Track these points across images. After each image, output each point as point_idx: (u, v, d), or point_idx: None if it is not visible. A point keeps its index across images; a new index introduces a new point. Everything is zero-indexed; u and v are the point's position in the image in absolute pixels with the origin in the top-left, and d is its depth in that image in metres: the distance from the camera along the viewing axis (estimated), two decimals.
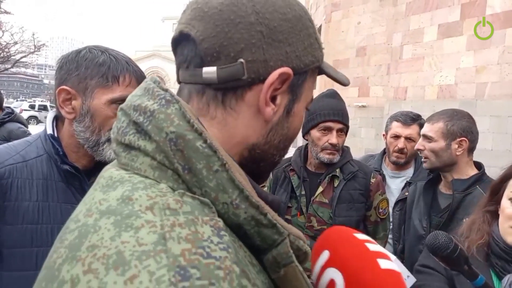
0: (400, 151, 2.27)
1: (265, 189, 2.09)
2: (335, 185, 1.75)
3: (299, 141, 6.94)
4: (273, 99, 0.50)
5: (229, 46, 0.47)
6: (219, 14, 0.48)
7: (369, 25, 8.64)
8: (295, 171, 1.83)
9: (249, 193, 0.42)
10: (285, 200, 1.78)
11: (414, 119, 2.29)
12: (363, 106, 8.05)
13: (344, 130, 1.73)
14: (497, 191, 1.19)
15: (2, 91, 3.42)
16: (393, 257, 0.69)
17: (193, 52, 0.50)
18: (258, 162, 0.54)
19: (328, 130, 1.73)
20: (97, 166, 1.11)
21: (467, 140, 1.72)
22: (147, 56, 37.90)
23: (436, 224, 1.76)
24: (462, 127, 1.71)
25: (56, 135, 1.05)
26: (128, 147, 0.46)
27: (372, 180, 1.79)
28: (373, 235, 1.82)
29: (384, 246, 1.77)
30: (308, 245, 0.48)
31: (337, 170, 1.77)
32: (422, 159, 1.79)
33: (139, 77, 1.06)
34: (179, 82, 0.54)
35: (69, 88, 1.01)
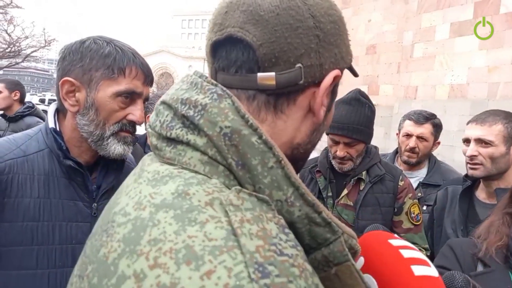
0: (412, 150, 2.21)
1: None
2: (361, 188, 1.70)
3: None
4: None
5: (288, 52, 0.47)
6: (277, 18, 0.47)
7: (380, 22, 8.52)
8: (321, 172, 1.79)
9: (305, 190, 0.42)
10: None
11: (428, 118, 2.23)
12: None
13: (354, 143, 1.64)
14: None
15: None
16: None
17: (246, 57, 0.48)
18: (298, 160, 0.54)
19: (335, 141, 1.69)
20: (98, 163, 1.08)
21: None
22: (156, 52, 38.01)
23: None
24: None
25: (58, 129, 1.02)
26: (174, 141, 0.45)
27: (401, 183, 1.71)
28: None
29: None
30: None
31: (364, 172, 1.72)
32: (472, 166, 1.60)
33: (145, 70, 1.03)
34: None
35: (73, 80, 0.97)
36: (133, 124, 1.03)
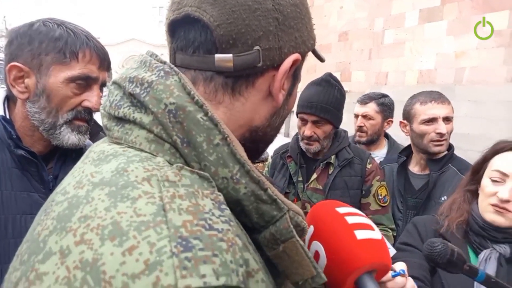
0: (360, 129, 2.32)
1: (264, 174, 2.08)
2: (330, 172, 1.72)
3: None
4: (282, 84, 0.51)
5: (246, 34, 0.46)
6: None
7: (352, 9, 8.58)
8: (292, 158, 1.82)
9: (251, 167, 0.42)
10: (283, 186, 1.77)
11: (372, 98, 2.34)
12: (346, 92, 8.02)
13: (321, 122, 1.67)
14: (477, 171, 1.21)
15: None
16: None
17: (203, 38, 0.47)
18: (257, 142, 0.54)
19: (304, 121, 1.71)
20: (54, 151, 1.03)
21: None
22: (127, 40, 36.93)
23: (413, 205, 1.77)
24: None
25: (8, 117, 0.96)
26: (122, 120, 0.44)
27: (369, 166, 1.75)
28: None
29: (393, 243, 1.62)
30: None
31: (332, 156, 1.74)
32: (441, 142, 1.69)
33: (100, 53, 0.98)
34: (176, 66, 0.51)
35: (21, 65, 0.91)
36: (89, 111, 0.98)
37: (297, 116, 1.74)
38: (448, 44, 6.33)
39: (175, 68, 0.45)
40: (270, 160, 2.02)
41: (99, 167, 0.41)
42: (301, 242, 0.43)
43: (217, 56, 0.47)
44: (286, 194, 1.77)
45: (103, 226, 0.33)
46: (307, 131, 1.69)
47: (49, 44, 0.91)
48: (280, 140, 2.59)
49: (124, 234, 0.33)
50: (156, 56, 0.48)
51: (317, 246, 0.54)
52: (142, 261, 0.31)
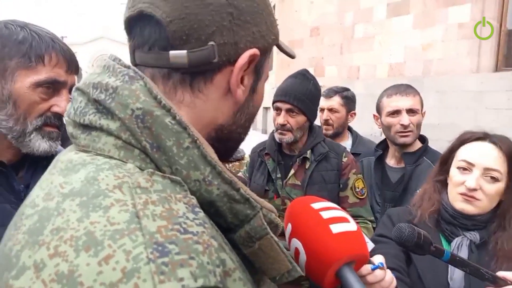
0: (326, 122, 2.39)
1: (241, 173, 2.08)
2: (307, 167, 1.75)
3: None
4: (242, 80, 0.50)
5: (199, 29, 0.46)
6: None
7: (322, 4, 8.67)
8: (270, 155, 1.83)
9: (222, 169, 0.42)
10: (262, 183, 1.79)
11: (336, 92, 2.41)
12: (320, 87, 8.12)
13: (295, 111, 1.70)
14: (445, 161, 1.25)
15: None
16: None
17: (158, 34, 0.47)
18: (224, 141, 0.54)
19: (279, 110, 1.74)
20: (24, 159, 0.99)
21: (425, 112, 1.82)
22: (96, 38, 35.84)
23: (390, 198, 1.82)
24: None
25: None
26: (88, 127, 0.44)
27: (344, 160, 1.77)
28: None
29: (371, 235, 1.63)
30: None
31: (308, 152, 1.76)
32: (405, 134, 1.75)
33: (67, 56, 0.94)
34: (135, 65, 0.51)
35: None
36: (59, 117, 0.95)
37: (273, 107, 1.77)
38: (415, 37, 6.52)
39: (140, 73, 0.45)
40: (247, 158, 2.02)
41: (67, 177, 0.40)
42: (275, 238, 0.44)
43: (171, 52, 0.46)
44: (266, 192, 1.78)
45: (76, 237, 0.33)
46: (280, 119, 1.72)
47: (12, 48, 0.87)
48: (258, 138, 2.60)
49: (99, 244, 0.32)
50: (120, 60, 0.48)
51: (296, 243, 0.56)
52: (119, 270, 0.31)
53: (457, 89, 5.84)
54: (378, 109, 1.87)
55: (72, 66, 0.96)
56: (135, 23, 0.49)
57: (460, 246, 1.12)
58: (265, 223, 0.44)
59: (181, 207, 0.37)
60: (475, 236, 1.12)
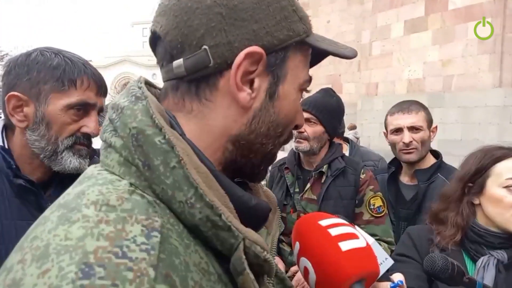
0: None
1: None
2: (323, 181, 1.74)
3: None
4: (251, 83, 0.47)
5: (190, 35, 0.45)
6: (177, 4, 0.46)
7: (338, 23, 8.77)
8: (289, 169, 1.84)
9: (204, 191, 0.40)
10: (280, 198, 1.78)
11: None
12: None
13: (312, 120, 1.72)
14: (471, 181, 1.16)
15: None
16: (370, 239, 0.73)
17: (164, 49, 0.48)
18: (246, 155, 0.50)
19: None
20: (53, 178, 1.03)
21: (436, 127, 1.80)
22: (118, 62, 37.12)
23: (405, 217, 1.77)
24: (430, 115, 1.78)
25: (6, 146, 0.96)
26: (106, 144, 0.46)
27: (362, 176, 1.74)
28: None
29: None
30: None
31: (325, 166, 1.75)
32: (408, 151, 1.71)
33: (97, 80, 0.99)
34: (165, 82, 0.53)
35: (20, 94, 0.93)
36: (88, 137, 0.99)
37: None
38: (434, 53, 6.47)
39: (146, 93, 0.45)
40: (268, 174, 2.04)
41: (73, 189, 0.42)
42: (251, 276, 0.40)
43: (174, 63, 0.47)
44: (284, 206, 1.79)
45: (38, 248, 0.35)
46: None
47: (47, 73, 0.93)
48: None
49: (46, 257, 0.33)
50: (140, 82, 0.48)
51: (305, 262, 0.55)
52: (47, 285, 0.32)
53: (479, 104, 5.72)
54: (385, 127, 1.88)
55: (102, 89, 1.01)
56: (153, 43, 0.51)
57: (487, 266, 1.06)
58: (244, 257, 0.40)
59: (135, 229, 0.36)
60: (502, 255, 1.06)
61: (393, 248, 1.65)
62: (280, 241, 1.77)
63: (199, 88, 0.47)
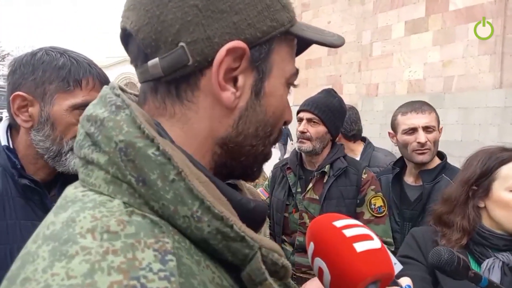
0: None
1: (262, 188, 2.06)
2: (325, 181, 1.76)
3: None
4: (234, 81, 0.43)
5: (164, 31, 0.41)
6: None
7: (339, 23, 8.77)
8: (291, 169, 1.86)
9: (211, 203, 0.37)
10: (283, 198, 1.81)
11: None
12: None
13: (315, 120, 1.74)
14: (476, 183, 1.14)
15: None
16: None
17: (137, 48, 0.44)
18: (237, 157, 0.47)
19: (301, 120, 1.80)
20: (57, 178, 1.03)
21: (442, 128, 1.79)
22: (118, 62, 37.09)
23: (409, 217, 1.77)
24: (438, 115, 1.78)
25: (11, 146, 0.96)
26: (85, 161, 0.41)
27: (364, 176, 1.76)
28: None
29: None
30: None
31: (327, 166, 1.77)
32: (423, 151, 1.68)
33: (103, 80, 0.99)
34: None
35: (25, 94, 0.92)
36: None
37: (297, 118, 1.83)
38: (434, 54, 6.48)
39: (127, 101, 0.40)
40: (270, 174, 2.05)
41: (56, 217, 0.37)
42: (275, 286, 0.39)
43: (149, 63, 0.42)
44: (286, 206, 1.81)
45: None
46: (301, 127, 1.78)
47: (52, 73, 0.93)
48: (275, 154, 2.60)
49: None
50: (115, 88, 0.43)
51: (320, 262, 0.54)
52: None
53: (479, 105, 5.72)
54: (393, 127, 1.84)
55: None
56: (125, 42, 0.47)
57: (492, 268, 1.05)
58: (263, 267, 0.38)
59: (147, 256, 0.33)
60: (508, 257, 1.06)
61: (392, 249, 1.68)
62: (282, 241, 1.78)
63: (179, 89, 0.43)
